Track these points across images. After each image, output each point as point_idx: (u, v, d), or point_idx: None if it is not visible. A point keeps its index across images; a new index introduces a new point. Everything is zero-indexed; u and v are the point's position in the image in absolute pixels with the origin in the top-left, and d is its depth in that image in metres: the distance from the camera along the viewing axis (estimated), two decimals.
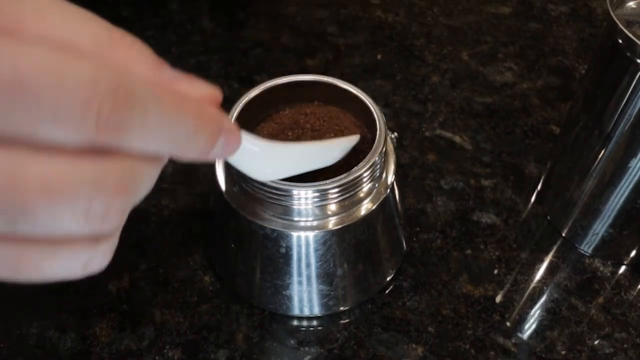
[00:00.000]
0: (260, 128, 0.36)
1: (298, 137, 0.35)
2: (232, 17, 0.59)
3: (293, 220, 0.33)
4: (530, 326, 0.38)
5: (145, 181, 0.18)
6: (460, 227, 0.43)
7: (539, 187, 0.45)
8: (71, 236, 0.16)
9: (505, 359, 0.36)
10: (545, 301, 0.39)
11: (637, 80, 0.32)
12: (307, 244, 0.33)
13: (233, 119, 0.33)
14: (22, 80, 0.14)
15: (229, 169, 0.34)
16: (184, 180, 0.45)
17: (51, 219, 0.15)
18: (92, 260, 0.18)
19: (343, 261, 0.35)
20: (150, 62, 0.18)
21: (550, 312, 0.38)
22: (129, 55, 0.17)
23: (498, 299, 0.39)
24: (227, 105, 0.26)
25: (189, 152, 0.19)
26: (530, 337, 0.37)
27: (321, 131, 0.35)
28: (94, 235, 0.17)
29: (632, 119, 0.34)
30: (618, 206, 0.38)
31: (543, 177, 0.45)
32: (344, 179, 0.31)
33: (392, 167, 0.36)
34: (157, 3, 0.60)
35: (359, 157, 0.33)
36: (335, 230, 0.33)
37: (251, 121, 0.36)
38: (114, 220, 0.17)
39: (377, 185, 0.34)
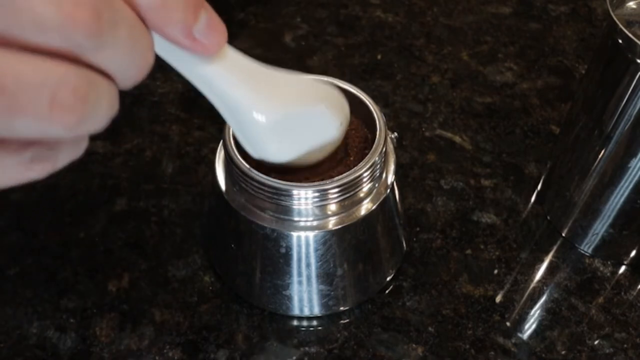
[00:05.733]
0: None
1: None
2: (232, 17, 0.59)
3: (293, 220, 0.33)
4: (530, 326, 0.38)
5: (103, 98, 0.19)
6: (460, 227, 0.43)
7: (539, 187, 0.45)
8: (33, 124, 0.18)
9: (505, 359, 0.36)
10: (545, 301, 0.39)
11: (637, 80, 0.32)
12: (307, 244, 0.33)
13: None
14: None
15: (229, 169, 0.34)
16: (184, 180, 0.45)
17: (17, 102, 0.17)
18: (36, 160, 0.19)
19: (343, 261, 0.35)
20: None
21: (550, 312, 0.38)
22: None
23: (498, 299, 0.39)
24: None
25: (168, 20, 0.20)
26: (530, 337, 0.37)
27: None
28: (50, 134, 0.18)
29: (632, 119, 0.34)
30: (618, 206, 0.38)
31: (543, 177, 0.45)
32: (344, 179, 0.31)
33: (392, 167, 0.36)
34: None
35: (359, 157, 0.33)
36: (335, 230, 0.33)
37: None
38: (72, 119, 0.18)
39: (377, 185, 0.34)
